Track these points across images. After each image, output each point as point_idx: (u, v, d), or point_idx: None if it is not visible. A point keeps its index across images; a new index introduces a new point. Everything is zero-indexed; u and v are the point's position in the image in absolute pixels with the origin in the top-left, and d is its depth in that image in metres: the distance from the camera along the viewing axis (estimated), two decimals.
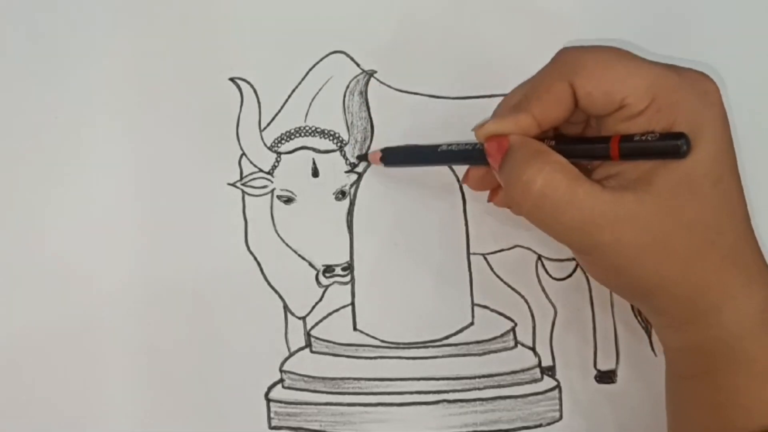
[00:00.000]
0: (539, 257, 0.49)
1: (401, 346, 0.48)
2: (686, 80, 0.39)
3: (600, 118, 0.40)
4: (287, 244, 0.48)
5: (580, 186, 0.38)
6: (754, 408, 0.39)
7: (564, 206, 0.38)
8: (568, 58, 0.40)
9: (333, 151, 0.49)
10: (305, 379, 0.48)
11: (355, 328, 0.48)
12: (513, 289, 0.49)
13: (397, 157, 0.47)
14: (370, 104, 0.49)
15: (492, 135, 0.40)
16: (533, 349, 0.49)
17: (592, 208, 0.38)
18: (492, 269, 0.49)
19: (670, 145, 0.37)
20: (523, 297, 0.49)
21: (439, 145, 0.45)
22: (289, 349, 0.48)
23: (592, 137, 0.41)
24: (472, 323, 0.48)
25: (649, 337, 0.49)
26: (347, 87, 0.49)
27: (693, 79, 0.39)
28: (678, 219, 0.38)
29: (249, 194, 0.48)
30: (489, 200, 0.45)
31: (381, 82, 0.49)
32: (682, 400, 0.41)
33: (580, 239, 0.39)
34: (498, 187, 0.44)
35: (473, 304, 0.49)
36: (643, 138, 0.38)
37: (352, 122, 0.49)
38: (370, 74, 0.49)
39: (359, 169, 0.49)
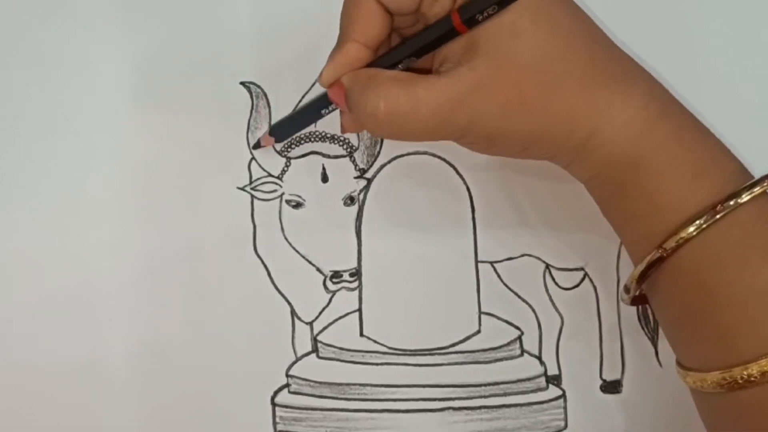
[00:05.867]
0: (547, 266, 0.49)
1: (407, 352, 0.48)
2: None
3: (422, 15, 0.40)
4: (295, 249, 0.48)
5: (418, 87, 0.39)
6: (668, 204, 0.39)
7: (413, 113, 0.39)
8: None
9: (343, 156, 0.49)
10: (311, 384, 0.48)
11: (361, 334, 0.48)
12: (520, 297, 0.49)
13: (284, 130, 0.47)
14: None
15: (332, 81, 0.41)
16: (539, 357, 0.49)
17: (437, 99, 0.38)
18: (500, 277, 0.49)
19: None
20: (530, 306, 0.49)
21: (310, 103, 0.45)
22: (295, 354, 0.48)
23: (432, 23, 0.40)
24: (478, 331, 0.49)
25: (655, 348, 0.49)
26: None
27: None
28: (516, 67, 0.38)
29: (258, 198, 0.48)
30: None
31: None
32: (611, 219, 0.42)
33: (445, 131, 0.39)
34: None
35: (480, 312, 0.49)
36: None
37: None
38: None
39: (368, 175, 0.49)
